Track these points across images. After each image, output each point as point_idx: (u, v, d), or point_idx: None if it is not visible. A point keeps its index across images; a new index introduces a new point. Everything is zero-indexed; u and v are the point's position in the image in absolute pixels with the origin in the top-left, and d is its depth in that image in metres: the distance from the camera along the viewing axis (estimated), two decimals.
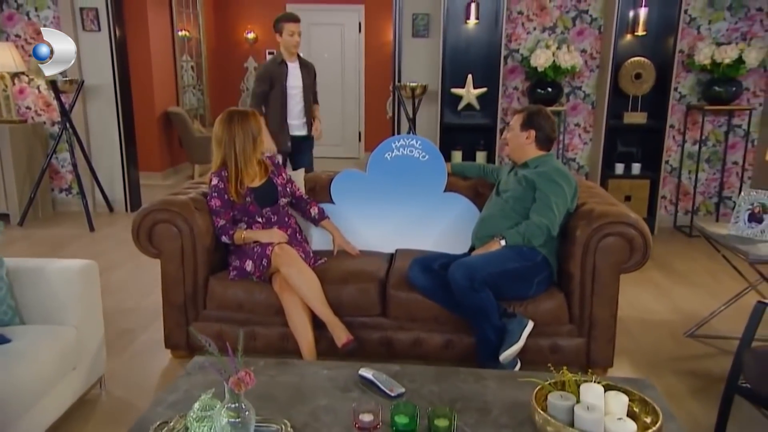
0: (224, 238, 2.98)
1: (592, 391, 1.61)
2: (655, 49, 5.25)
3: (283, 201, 3.11)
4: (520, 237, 2.75)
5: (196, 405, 1.63)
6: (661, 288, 4.07)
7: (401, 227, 3.37)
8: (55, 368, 2.28)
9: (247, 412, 1.55)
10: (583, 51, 5.41)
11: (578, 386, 1.68)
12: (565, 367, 1.74)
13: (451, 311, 2.79)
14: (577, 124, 5.57)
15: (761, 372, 2.20)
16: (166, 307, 2.98)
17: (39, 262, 2.51)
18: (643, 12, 5.12)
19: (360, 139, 9.60)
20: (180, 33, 8.27)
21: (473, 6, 5.18)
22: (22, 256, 2.39)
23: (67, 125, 5.43)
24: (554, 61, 5.10)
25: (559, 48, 5.18)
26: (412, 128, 5.38)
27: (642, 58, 5.24)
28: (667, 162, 5.47)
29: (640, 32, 5.16)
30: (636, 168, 5.37)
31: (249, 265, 2.91)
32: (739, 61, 5.02)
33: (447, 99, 5.37)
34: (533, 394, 1.67)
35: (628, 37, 5.29)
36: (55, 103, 5.61)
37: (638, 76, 5.24)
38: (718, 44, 5.16)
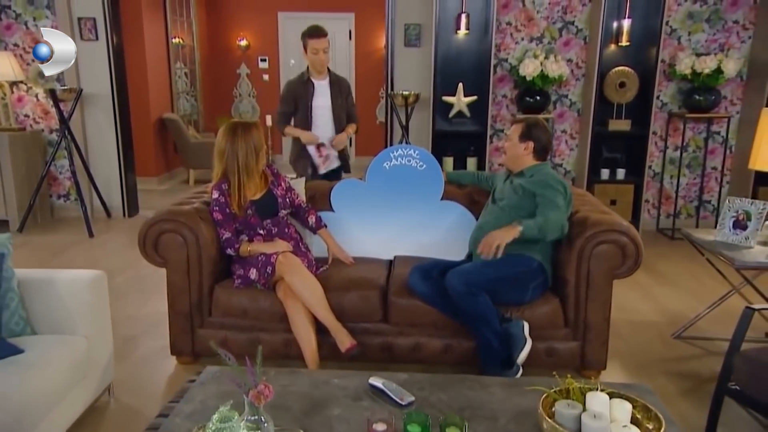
0: (230, 251, 2.97)
1: (597, 400, 1.63)
2: (638, 58, 5.31)
3: (283, 213, 3.09)
4: (537, 229, 2.67)
5: (215, 417, 1.62)
6: (646, 290, 4.12)
7: (399, 234, 3.38)
8: (68, 378, 2.26)
9: (266, 424, 1.55)
10: (570, 60, 5.46)
11: (583, 394, 1.70)
12: (569, 376, 1.77)
13: (451, 317, 2.81)
14: (564, 131, 5.62)
15: (751, 375, 2.24)
16: (171, 314, 2.97)
17: (49, 273, 2.49)
18: (626, 23, 5.17)
19: (350, 144, 9.58)
20: (174, 40, 8.22)
21: (463, 17, 5.21)
22: (23, 262, 2.37)
23: (66, 133, 5.38)
24: (542, 70, 5.14)
25: (546, 58, 5.22)
26: (405, 135, 5.39)
27: (626, 68, 5.30)
28: (650, 167, 5.54)
29: (624, 43, 5.22)
30: (621, 173, 5.43)
31: (253, 274, 2.91)
32: (718, 71, 5.10)
33: (438, 107, 5.39)
34: (540, 402, 1.69)
35: (613, 47, 5.35)
36: (53, 111, 5.56)
37: (622, 84, 5.30)
38: (698, 54, 5.24)
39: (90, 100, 5.72)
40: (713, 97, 5.25)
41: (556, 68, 5.15)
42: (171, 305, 2.96)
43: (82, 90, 5.56)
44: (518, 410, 1.80)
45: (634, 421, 1.65)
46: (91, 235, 5.34)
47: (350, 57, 9.33)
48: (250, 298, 2.92)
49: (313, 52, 3.84)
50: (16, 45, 5.60)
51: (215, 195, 2.96)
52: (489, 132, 5.38)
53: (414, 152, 3.42)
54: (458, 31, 5.29)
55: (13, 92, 5.66)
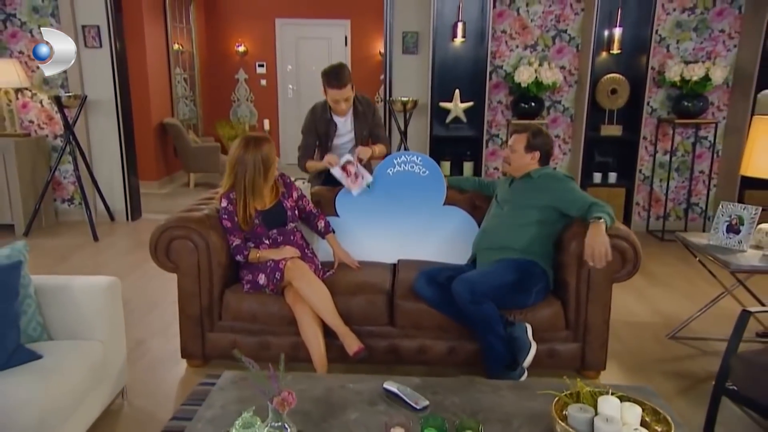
0: (239, 258, 2.96)
1: (609, 403, 1.65)
2: (629, 66, 5.35)
3: (290, 226, 3.08)
4: (608, 216, 2.65)
5: (238, 422, 1.62)
6: (640, 291, 4.15)
7: (403, 239, 3.39)
8: (86, 383, 2.26)
9: (289, 430, 1.56)
10: (562, 68, 5.49)
11: (593, 397, 1.72)
12: (578, 379, 1.78)
13: (456, 321, 2.82)
14: (558, 136, 5.65)
15: (748, 376, 2.27)
16: (182, 318, 2.96)
17: (65, 280, 2.48)
18: (617, 32, 5.21)
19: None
20: (174, 46, 8.19)
21: (460, 25, 5.23)
22: (31, 267, 2.35)
23: (71, 138, 5.34)
24: (536, 77, 5.17)
25: (540, 65, 5.25)
26: (404, 140, 5.40)
27: (617, 75, 5.34)
28: (640, 171, 5.58)
29: (615, 50, 5.26)
30: (612, 177, 5.48)
31: (262, 279, 2.90)
32: (706, 78, 5.14)
33: (436, 112, 5.41)
34: (552, 406, 1.70)
35: (604, 54, 5.39)
36: (57, 117, 5.53)
37: (614, 91, 5.34)
38: (686, 62, 5.29)
39: (94, 106, 5.68)
40: (701, 104, 5.30)
41: (550, 75, 5.18)
42: (182, 310, 2.95)
43: (86, 96, 5.53)
44: (530, 413, 1.82)
45: (643, 423, 1.67)
46: (96, 238, 5.31)
47: (346, 62, 9.27)
48: (260, 302, 2.91)
49: (333, 101, 3.42)
50: (21, 52, 5.56)
51: (224, 204, 2.95)
52: (485, 137, 5.40)
53: (417, 158, 3.43)
54: (455, 39, 5.31)
55: (18, 98, 5.61)
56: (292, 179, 3.23)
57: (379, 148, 3.57)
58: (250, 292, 2.93)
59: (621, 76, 5.33)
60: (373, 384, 1.98)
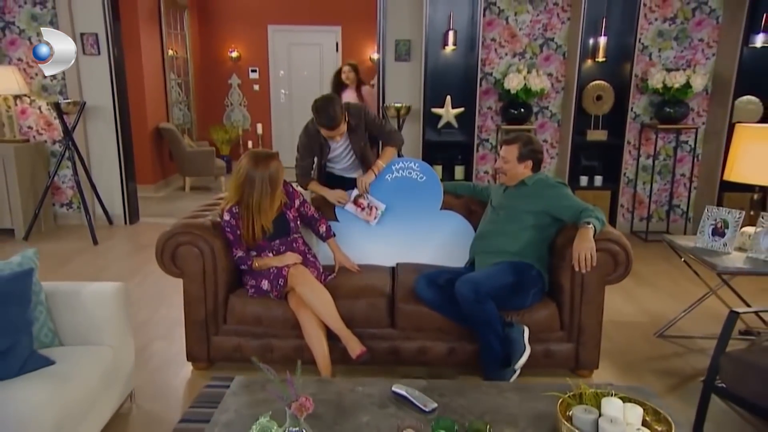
0: (243, 267, 2.96)
1: (612, 405, 1.67)
2: (614, 73, 5.41)
3: (293, 236, 3.06)
4: (598, 221, 2.71)
5: (255, 427, 1.63)
6: (628, 291, 4.20)
7: (401, 243, 3.40)
8: (98, 387, 2.25)
9: None
10: (550, 75, 5.53)
11: (596, 398, 1.74)
12: (581, 381, 1.81)
13: (456, 322, 2.84)
14: (545, 141, 5.69)
15: (737, 374, 2.31)
16: (188, 322, 2.95)
17: (74, 286, 2.46)
18: (602, 40, 5.27)
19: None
20: (169, 52, 8.12)
21: (451, 33, 5.26)
22: None
23: (70, 144, 5.29)
24: (525, 84, 5.21)
25: (529, 72, 5.29)
26: None
27: (602, 82, 5.40)
28: (624, 174, 5.64)
29: (600, 58, 5.31)
30: (598, 180, 5.54)
31: (265, 284, 2.90)
32: (687, 85, 5.21)
33: (428, 118, 5.43)
34: (557, 407, 1.72)
35: (590, 62, 5.44)
36: (56, 122, 5.47)
37: (599, 97, 5.40)
38: (668, 70, 5.35)
39: (92, 112, 5.63)
40: (682, 110, 5.37)
41: (538, 82, 5.22)
42: (187, 314, 2.94)
43: (85, 103, 5.47)
44: (535, 414, 1.84)
45: (644, 423, 1.70)
46: (95, 242, 5.26)
47: (337, 68, 9.30)
48: (264, 306, 2.91)
49: (326, 135, 3.32)
50: (19, 59, 5.49)
51: (227, 217, 2.90)
52: (476, 141, 5.44)
53: (414, 165, 3.45)
54: (446, 47, 5.34)
55: (17, 105, 5.54)
56: (294, 186, 3.23)
57: (386, 155, 3.43)
58: (254, 296, 2.93)
59: (606, 83, 5.38)
60: (381, 387, 1.99)
